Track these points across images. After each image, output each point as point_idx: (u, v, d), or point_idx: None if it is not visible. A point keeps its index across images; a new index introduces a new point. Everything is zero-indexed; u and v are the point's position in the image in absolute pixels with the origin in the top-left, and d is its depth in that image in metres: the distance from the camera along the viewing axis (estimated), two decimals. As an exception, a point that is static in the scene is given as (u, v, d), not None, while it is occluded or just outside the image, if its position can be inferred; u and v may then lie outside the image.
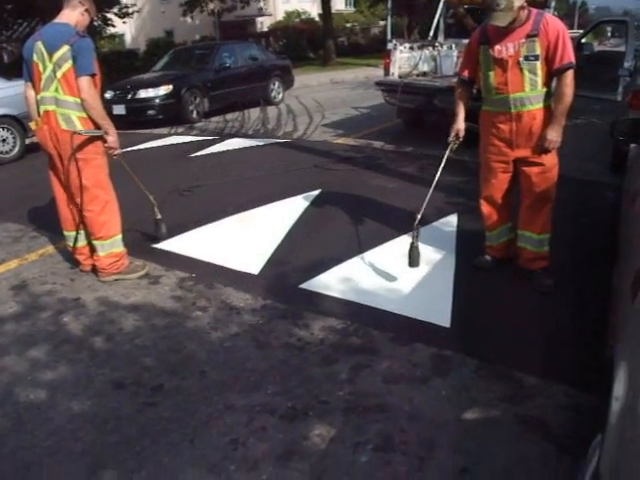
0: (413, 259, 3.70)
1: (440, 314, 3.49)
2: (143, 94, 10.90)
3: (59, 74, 3.69)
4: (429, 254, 4.22)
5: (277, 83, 13.40)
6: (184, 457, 2.51)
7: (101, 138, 3.89)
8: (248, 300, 3.79)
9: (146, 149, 8.56)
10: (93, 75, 3.71)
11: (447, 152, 3.72)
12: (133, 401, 2.88)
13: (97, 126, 3.82)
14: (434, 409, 2.73)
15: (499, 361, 3.07)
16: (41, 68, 3.74)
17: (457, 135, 3.72)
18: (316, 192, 5.56)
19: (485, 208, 3.82)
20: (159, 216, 4.50)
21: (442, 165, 3.72)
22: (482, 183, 3.80)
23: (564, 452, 2.45)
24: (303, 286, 3.90)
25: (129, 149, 8.20)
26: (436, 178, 3.75)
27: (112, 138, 3.88)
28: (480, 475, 2.35)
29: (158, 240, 4.61)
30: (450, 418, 2.67)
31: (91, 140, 3.86)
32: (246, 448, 2.54)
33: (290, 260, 4.28)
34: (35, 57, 3.74)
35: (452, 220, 4.85)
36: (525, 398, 2.79)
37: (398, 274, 3.93)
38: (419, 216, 3.66)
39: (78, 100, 3.72)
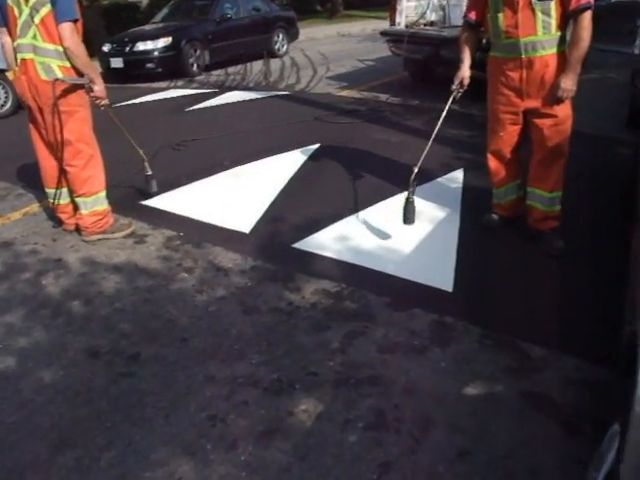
0: (407, 216, 3.45)
1: (442, 277, 3.24)
2: (141, 47, 10.49)
3: (37, 19, 3.39)
4: (432, 212, 3.95)
5: (281, 35, 12.89)
6: (157, 434, 2.31)
7: (85, 88, 3.60)
8: (237, 261, 3.55)
9: (142, 103, 8.22)
10: (75, 21, 3.40)
11: (449, 101, 3.41)
12: (108, 371, 2.68)
13: (81, 75, 3.53)
14: (432, 382, 2.51)
15: (504, 330, 2.83)
16: (16, 12, 3.42)
17: (461, 83, 3.41)
18: (315, 146, 5.26)
19: (492, 163, 3.52)
20: (149, 172, 4.25)
21: (443, 115, 3.42)
22: (489, 136, 3.49)
23: (572, 434, 2.23)
24: (296, 245, 3.66)
25: (124, 103, 7.92)
26: (436, 129, 3.45)
27: (98, 87, 3.60)
28: (479, 460, 2.13)
29: (148, 197, 4.36)
30: (449, 393, 2.45)
31: (74, 90, 3.57)
32: (225, 425, 2.34)
33: (284, 218, 4.02)
34: (9, 0, 3.42)
35: (458, 176, 4.55)
36: (531, 371, 2.56)
37: (398, 233, 3.67)
38: (416, 170, 3.38)
39: (59, 48, 3.42)
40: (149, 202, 4.38)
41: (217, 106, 7.57)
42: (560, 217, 3.45)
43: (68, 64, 3.49)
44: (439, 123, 3.47)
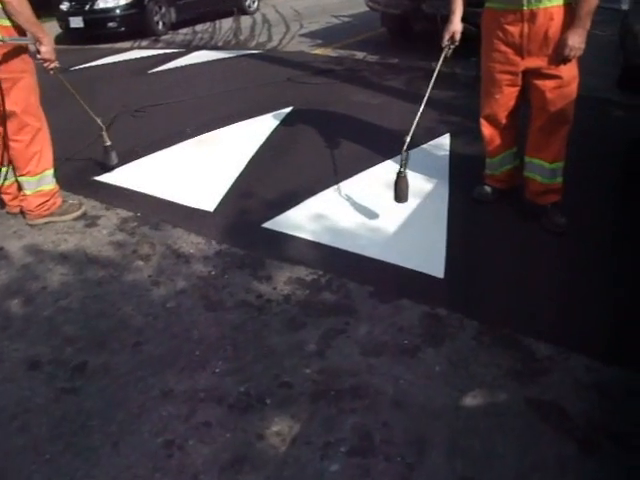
0: (400, 193, 3.05)
1: (431, 261, 2.88)
2: (102, 4, 9.81)
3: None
4: (418, 184, 3.55)
5: (252, -10, 12.20)
6: (104, 468, 1.95)
7: (30, 50, 3.12)
8: (200, 245, 3.14)
9: (101, 65, 7.62)
10: None
11: (441, 60, 2.99)
12: (49, 387, 2.29)
13: (24, 35, 3.04)
14: (425, 392, 2.16)
15: (504, 324, 2.49)
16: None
17: (452, 38, 2.98)
18: (287, 110, 4.80)
19: (486, 129, 3.13)
20: (108, 142, 3.80)
21: (435, 75, 3.00)
22: (483, 99, 3.09)
23: (589, 452, 1.92)
24: (267, 225, 3.26)
25: (82, 66, 7.34)
26: (428, 92, 3.04)
27: (46, 48, 3.11)
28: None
29: (108, 170, 3.90)
30: (445, 405, 2.11)
31: (17, 54, 3.08)
32: (184, 453, 1.98)
33: (252, 193, 3.60)
34: None
35: (444, 142, 4.14)
36: (537, 374, 2.23)
37: (381, 210, 3.28)
38: (408, 139, 2.97)
39: None
40: (103, 177, 3.93)
41: (182, 67, 7.02)
42: (562, 190, 3.08)
43: (8, 22, 2.99)
44: (430, 86, 3.06)
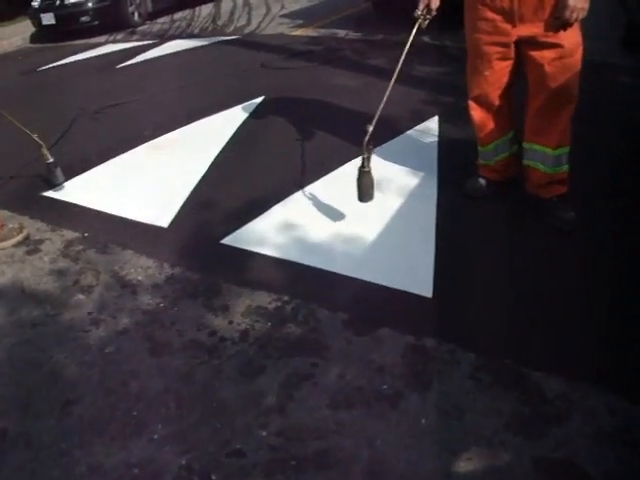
0: (363, 190, 2.61)
1: (418, 278, 2.43)
2: (73, -2, 9.29)
3: None
4: (401, 180, 3.10)
5: (232, -29, 11.62)
6: None
7: None
8: (150, 270, 2.70)
9: (69, 64, 7.15)
10: None
11: (414, 31, 2.51)
12: (-47, 467, 1.87)
13: None
14: (409, 456, 1.73)
15: (506, 354, 2.03)
16: None
17: (428, 7, 2.50)
18: (258, 100, 4.31)
19: (476, 113, 2.65)
20: (51, 159, 3.38)
21: (406, 49, 2.53)
22: (470, 77, 2.60)
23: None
24: (226, 241, 2.81)
25: (49, 65, 6.88)
26: (397, 69, 2.56)
27: None
28: None
29: (52, 187, 3.47)
30: (434, 472, 1.68)
31: None
32: None
33: (213, 202, 3.14)
34: None
35: (432, 126, 3.65)
36: (548, 422, 1.79)
37: (358, 216, 2.83)
38: (370, 129, 2.51)
39: None
40: (51, 193, 3.48)
41: (152, 59, 6.53)
42: (569, 180, 2.60)
43: None
44: (401, 60, 2.59)
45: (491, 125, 2.64)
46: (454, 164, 3.17)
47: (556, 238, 2.54)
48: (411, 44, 2.50)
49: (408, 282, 2.38)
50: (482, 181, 2.84)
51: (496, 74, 2.49)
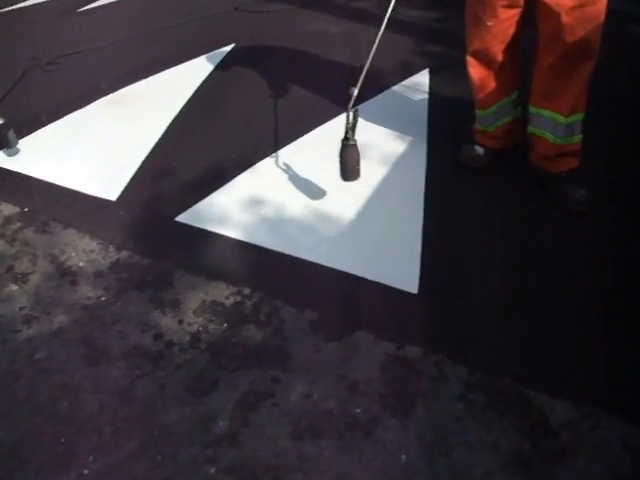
0: (348, 168, 2.20)
1: (402, 269, 2.08)
2: None
3: None
4: (386, 144, 2.70)
5: None
6: None
7: None
8: (93, 254, 2.33)
9: (29, 6, 6.50)
10: None
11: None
12: None
13: None
14: (384, 510, 1.41)
15: (503, 369, 1.71)
16: None
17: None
18: (227, 48, 3.82)
19: (475, 70, 2.24)
20: (1, 120, 2.88)
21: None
22: (469, 28, 2.18)
23: None
24: (181, 218, 2.43)
25: (7, 9, 6.23)
26: (386, 16, 2.13)
27: None
28: None
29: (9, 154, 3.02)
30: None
31: None
32: None
33: (169, 170, 2.73)
34: None
35: (422, 81, 3.22)
36: (552, 458, 1.50)
37: (334, 188, 2.45)
38: (356, 92, 2.10)
39: None
40: None
41: (117, 2, 5.91)
42: (581, 152, 2.22)
43: None
44: (390, 6, 2.15)
45: (492, 85, 2.24)
46: (447, 127, 2.78)
47: (564, 221, 2.19)
48: None
49: (389, 274, 2.04)
50: (479, 149, 2.46)
51: (501, 24, 2.06)
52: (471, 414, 1.60)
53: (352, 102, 2.10)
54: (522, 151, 2.40)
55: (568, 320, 1.85)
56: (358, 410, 1.64)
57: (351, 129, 2.13)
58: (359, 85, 2.10)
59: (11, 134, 2.95)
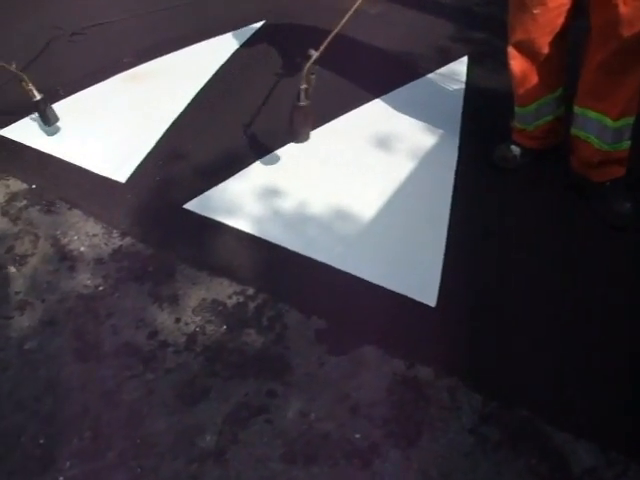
0: (294, 129, 2.19)
1: (421, 277, 1.91)
2: None
3: None
4: (414, 136, 2.52)
5: None
6: None
7: None
8: (96, 238, 2.21)
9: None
10: None
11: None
12: None
13: None
14: None
15: (524, 400, 1.54)
16: None
17: None
18: (257, 25, 3.64)
19: (517, 63, 2.03)
20: (38, 96, 2.74)
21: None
22: (513, 15, 1.97)
23: None
24: (190, 206, 2.29)
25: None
26: None
27: None
28: None
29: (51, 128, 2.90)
30: None
31: None
32: None
33: (182, 153, 2.58)
34: None
35: (459, 69, 3.00)
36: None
37: (355, 183, 2.28)
38: (315, 55, 2.08)
39: None
40: (7, 131, 2.93)
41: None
42: (628, 159, 2.01)
43: None
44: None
45: (535, 80, 2.03)
46: (482, 122, 2.57)
47: (605, 236, 1.98)
48: None
49: (407, 283, 1.87)
50: (515, 149, 2.25)
51: (549, 13, 1.84)
52: (483, 450, 1.44)
53: (310, 63, 2.05)
54: (563, 154, 2.19)
55: (600, 352, 1.66)
56: (358, 435, 1.49)
57: (304, 90, 2.08)
58: (323, 47, 2.04)
59: (50, 111, 2.82)
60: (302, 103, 2.09)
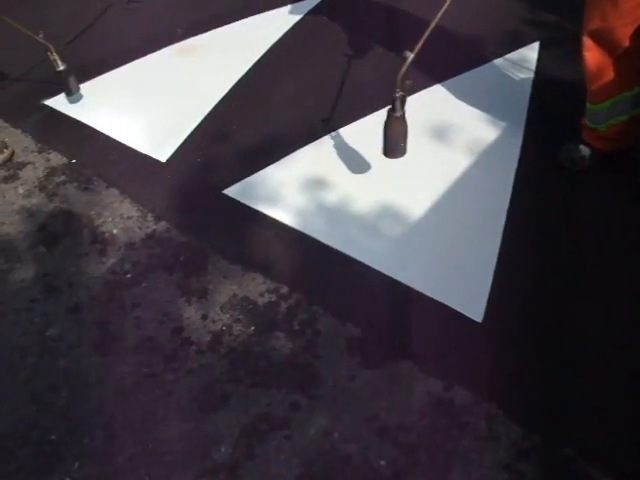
0: (389, 143, 1.90)
1: (469, 288, 1.75)
2: None
3: None
4: (473, 127, 2.33)
5: None
6: None
7: None
8: (130, 220, 2.14)
9: None
10: None
11: None
12: None
13: None
14: None
15: (569, 438, 1.37)
16: None
17: None
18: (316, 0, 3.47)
19: (592, 55, 1.81)
20: (61, 66, 2.70)
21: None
22: (590, 1, 1.74)
23: None
24: (229, 192, 2.18)
25: None
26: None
27: None
28: None
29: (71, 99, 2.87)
30: None
31: None
32: None
33: (226, 134, 2.48)
34: None
35: (529, 56, 2.76)
36: None
37: (409, 178, 2.12)
38: (411, 57, 1.74)
39: None
40: (54, 102, 2.89)
41: None
42: None
43: None
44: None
45: (611, 75, 1.81)
46: (550, 116, 2.35)
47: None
48: None
49: (453, 293, 1.72)
50: (584, 149, 2.04)
51: (633, 0, 1.62)
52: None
53: (405, 68, 1.75)
54: (636, 158, 1.97)
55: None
56: (382, 462, 1.37)
57: (399, 100, 1.80)
58: (418, 47, 1.73)
59: (72, 81, 2.77)
60: (398, 114, 1.84)
